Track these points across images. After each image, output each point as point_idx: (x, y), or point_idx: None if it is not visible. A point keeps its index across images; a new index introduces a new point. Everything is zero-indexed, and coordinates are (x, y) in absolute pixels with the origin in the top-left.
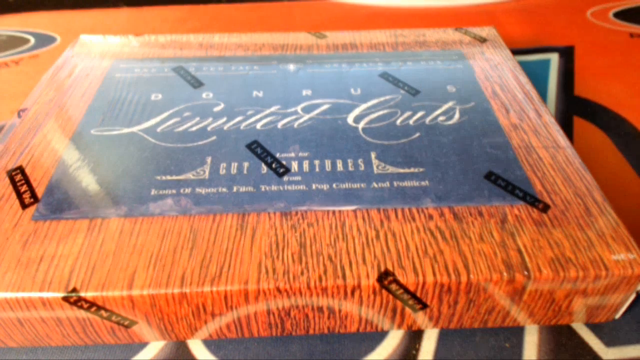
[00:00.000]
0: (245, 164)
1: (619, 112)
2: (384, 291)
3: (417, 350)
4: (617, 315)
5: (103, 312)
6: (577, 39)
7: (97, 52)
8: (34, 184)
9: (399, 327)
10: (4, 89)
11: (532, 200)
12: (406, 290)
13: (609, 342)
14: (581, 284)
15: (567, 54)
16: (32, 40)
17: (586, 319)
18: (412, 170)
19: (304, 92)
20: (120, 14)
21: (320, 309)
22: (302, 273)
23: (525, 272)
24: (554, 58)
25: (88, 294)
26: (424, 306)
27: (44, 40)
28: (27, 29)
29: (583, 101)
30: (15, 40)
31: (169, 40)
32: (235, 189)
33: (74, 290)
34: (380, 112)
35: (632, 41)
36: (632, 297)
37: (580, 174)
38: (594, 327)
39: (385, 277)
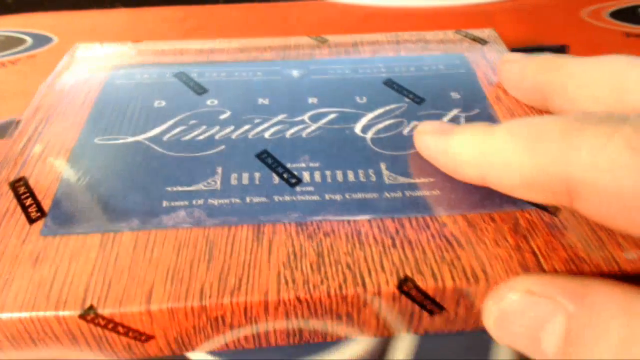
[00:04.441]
0: (257, 175)
1: None
2: (403, 297)
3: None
4: None
5: (120, 328)
6: (571, 38)
7: (95, 59)
8: (39, 197)
9: (416, 331)
10: (1, 89)
11: (543, 205)
12: (426, 296)
13: None
14: None
15: (561, 53)
16: (30, 40)
17: None
18: (422, 180)
19: (310, 100)
20: (118, 15)
21: (339, 317)
22: (321, 282)
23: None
24: None
25: (105, 311)
26: (442, 310)
27: (41, 40)
28: (24, 29)
29: None
30: (13, 41)
31: (169, 46)
32: (248, 199)
33: (91, 307)
34: (387, 122)
35: (628, 40)
36: None
37: None
38: None
39: (404, 283)
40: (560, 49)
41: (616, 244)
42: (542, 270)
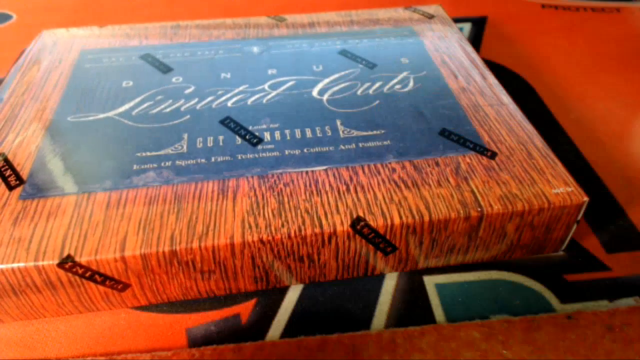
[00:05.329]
0: (220, 137)
1: (517, 71)
2: (357, 236)
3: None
4: (563, 247)
5: (97, 277)
6: (491, 10)
7: (62, 44)
8: (18, 168)
9: (372, 272)
10: None
11: (482, 149)
12: (377, 234)
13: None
14: (528, 217)
15: (479, 24)
16: None
17: (537, 251)
18: (374, 132)
19: (269, 72)
20: None
21: (301, 259)
22: (282, 225)
23: (479, 209)
24: (467, 27)
25: (82, 259)
26: (394, 249)
27: (0, 17)
28: None
29: (485, 62)
30: None
31: (133, 29)
32: (213, 159)
33: (69, 256)
34: (342, 85)
35: (544, 11)
36: (574, 228)
37: (522, 125)
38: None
39: (357, 223)
40: (481, 20)
41: (546, 182)
42: (479, 206)
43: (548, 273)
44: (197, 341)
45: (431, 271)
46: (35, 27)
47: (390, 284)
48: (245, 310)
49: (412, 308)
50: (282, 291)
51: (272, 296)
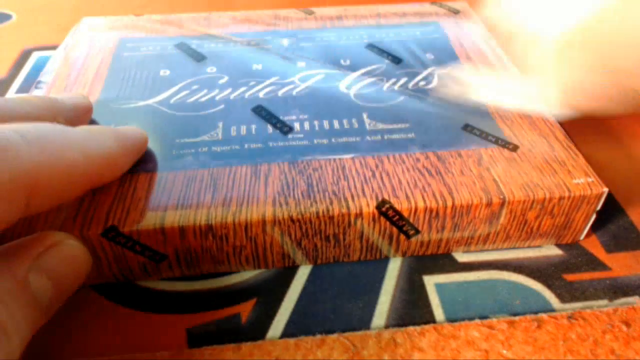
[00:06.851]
0: (253, 126)
1: None
2: (382, 218)
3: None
4: (582, 237)
5: (138, 247)
6: None
7: (102, 31)
8: None
9: (395, 254)
10: None
11: (504, 142)
12: (401, 216)
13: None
14: (548, 205)
15: None
16: None
17: (555, 240)
18: (399, 126)
19: (299, 64)
20: None
21: (327, 238)
22: (311, 205)
23: (501, 196)
24: None
25: (125, 229)
26: (416, 232)
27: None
28: None
29: None
30: None
31: (168, 19)
32: (246, 146)
33: (113, 226)
34: (368, 80)
35: None
36: (593, 217)
37: (544, 119)
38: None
39: (382, 205)
40: None
41: (567, 172)
42: (501, 193)
43: (548, 273)
44: (197, 341)
45: (431, 271)
46: (35, 27)
47: (390, 283)
48: (245, 310)
49: (412, 308)
50: (282, 290)
51: (272, 296)
